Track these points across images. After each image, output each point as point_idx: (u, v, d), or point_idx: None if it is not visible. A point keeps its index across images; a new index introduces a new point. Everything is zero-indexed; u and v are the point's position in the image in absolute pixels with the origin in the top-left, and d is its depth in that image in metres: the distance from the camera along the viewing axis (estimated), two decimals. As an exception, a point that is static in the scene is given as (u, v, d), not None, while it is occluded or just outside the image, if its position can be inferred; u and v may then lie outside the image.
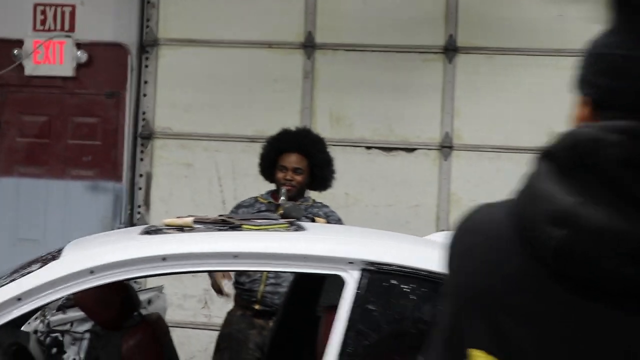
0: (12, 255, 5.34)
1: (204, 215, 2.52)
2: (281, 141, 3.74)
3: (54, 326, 3.42)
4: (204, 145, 5.22)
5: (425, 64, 5.07)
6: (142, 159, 5.30)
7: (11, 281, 2.14)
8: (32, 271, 2.16)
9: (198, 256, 2.17)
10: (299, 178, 3.63)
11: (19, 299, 2.06)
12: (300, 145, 3.66)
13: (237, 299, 3.71)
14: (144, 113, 5.30)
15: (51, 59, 5.33)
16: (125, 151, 5.30)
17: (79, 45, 5.34)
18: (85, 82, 5.40)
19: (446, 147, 5.04)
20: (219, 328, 5.15)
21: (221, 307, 5.06)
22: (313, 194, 3.91)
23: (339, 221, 3.64)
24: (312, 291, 3.21)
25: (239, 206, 3.73)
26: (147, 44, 5.29)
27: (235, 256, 2.17)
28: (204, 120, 5.21)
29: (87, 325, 3.42)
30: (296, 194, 3.66)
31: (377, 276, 2.16)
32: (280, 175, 3.66)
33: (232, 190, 5.21)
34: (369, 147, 5.12)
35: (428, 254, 2.27)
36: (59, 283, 2.08)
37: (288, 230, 2.43)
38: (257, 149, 5.04)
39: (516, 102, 5.00)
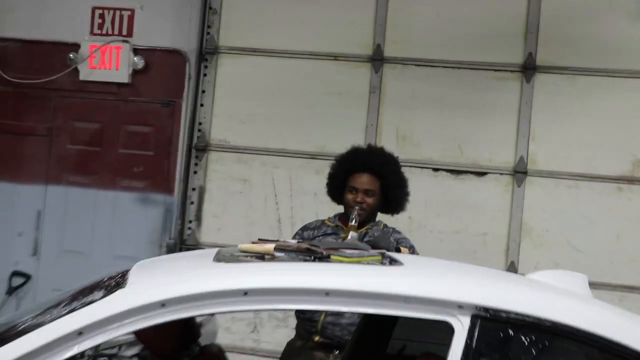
0: (57, 267, 5.13)
1: (285, 242, 2.22)
2: (352, 160, 3.46)
3: (102, 349, 3.13)
4: (261, 160, 4.97)
5: (500, 83, 4.75)
6: (195, 172, 5.04)
7: (71, 311, 1.85)
8: (94, 300, 1.87)
9: (284, 292, 1.87)
10: (370, 200, 3.36)
11: (80, 333, 1.77)
12: (372, 165, 3.39)
13: (298, 328, 3.41)
14: (200, 124, 5.04)
15: (107, 64, 5.11)
16: (178, 163, 5.05)
17: (136, 51, 5.12)
18: (140, 89, 5.17)
19: (520, 173, 4.71)
20: (267, 354, 4.86)
21: (271, 332, 4.78)
22: (383, 218, 3.59)
23: (412, 249, 3.33)
24: (386, 326, 2.91)
25: (305, 228, 3.47)
26: (207, 52, 5.04)
27: (327, 294, 1.86)
28: (262, 134, 4.96)
29: (136, 349, 3.13)
30: (367, 217, 3.39)
31: (492, 325, 1.83)
32: (350, 196, 3.39)
33: (288, 209, 4.94)
34: (436, 169, 4.82)
35: (552, 300, 1.94)
36: (126, 316, 1.79)
37: (383, 263, 2.12)
38: (317, 165, 4.85)
39: (598, 126, 4.65)
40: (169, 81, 5.13)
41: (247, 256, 2.11)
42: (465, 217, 4.77)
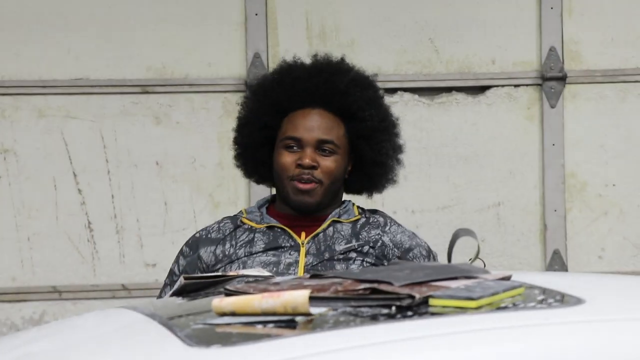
0: None
1: (322, 280, 2.13)
2: (288, 87, 3.48)
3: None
4: (37, 106, 5.01)
5: None
6: None
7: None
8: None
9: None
10: (328, 163, 3.41)
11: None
12: (329, 90, 3.46)
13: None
14: None
15: None
16: None
17: None
18: None
19: (552, 80, 4.92)
20: None
21: None
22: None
23: (429, 255, 3.43)
24: None
25: (197, 243, 3.47)
26: None
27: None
28: (36, 54, 5.01)
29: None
30: (323, 198, 3.41)
31: None
32: (286, 159, 3.40)
33: (106, 198, 5.07)
34: (394, 90, 4.99)
35: None
36: None
37: (538, 300, 2.10)
38: (155, 106, 4.98)
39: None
40: None
41: (252, 324, 1.98)
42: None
